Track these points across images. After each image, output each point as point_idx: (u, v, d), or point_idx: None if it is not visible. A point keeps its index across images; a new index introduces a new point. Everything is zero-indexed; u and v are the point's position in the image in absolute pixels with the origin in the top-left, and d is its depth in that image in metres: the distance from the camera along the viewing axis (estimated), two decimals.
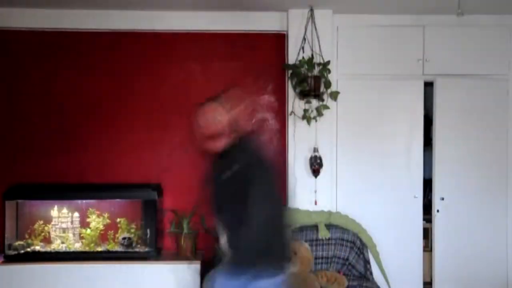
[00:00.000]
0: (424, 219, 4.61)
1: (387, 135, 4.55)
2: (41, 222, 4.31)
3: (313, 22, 4.36)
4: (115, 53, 4.51)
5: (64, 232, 4.29)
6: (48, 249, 4.24)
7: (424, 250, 4.62)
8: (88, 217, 4.32)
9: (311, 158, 4.37)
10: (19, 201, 4.28)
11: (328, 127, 4.43)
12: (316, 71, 4.25)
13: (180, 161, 4.50)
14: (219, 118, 2.46)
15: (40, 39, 4.45)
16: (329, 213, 4.36)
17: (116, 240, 4.31)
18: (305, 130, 4.37)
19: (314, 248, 4.20)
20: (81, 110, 4.49)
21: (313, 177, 4.38)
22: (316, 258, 4.19)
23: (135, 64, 4.52)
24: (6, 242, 4.17)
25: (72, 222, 4.31)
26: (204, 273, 4.33)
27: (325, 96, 4.33)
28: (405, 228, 4.53)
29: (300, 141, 4.41)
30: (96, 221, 4.31)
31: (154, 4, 4.29)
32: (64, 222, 4.29)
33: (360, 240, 4.34)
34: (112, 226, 4.35)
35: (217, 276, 2.47)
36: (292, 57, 4.35)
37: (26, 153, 4.45)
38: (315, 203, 4.38)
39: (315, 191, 4.39)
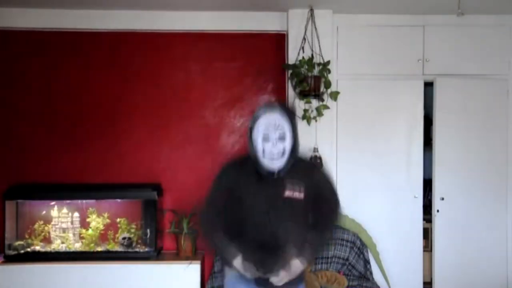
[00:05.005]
0: (424, 219, 4.61)
1: (387, 135, 4.54)
2: (41, 222, 4.32)
3: (313, 22, 4.35)
4: (115, 53, 4.51)
5: (64, 232, 4.29)
6: (48, 249, 4.24)
7: (424, 250, 4.61)
8: (88, 217, 4.33)
9: (311, 158, 4.36)
10: (19, 201, 4.28)
11: (328, 127, 4.42)
12: (316, 71, 4.25)
13: (180, 161, 4.51)
14: None
15: (40, 39, 4.45)
16: None
17: (116, 240, 4.31)
18: (305, 130, 4.35)
19: None
20: (81, 110, 4.49)
21: None
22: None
23: (135, 64, 4.52)
24: (6, 242, 4.18)
25: (72, 222, 4.31)
26: (204, 273, 4.35)
27: (325, 96, 4.32)
28: (405, 228, 4.53)
29: (300, 141, 4.38)
30: (96, 221, 4.31)
31: (154, 4, 4.28)
32: (64, 222, 4.29)
33: (360, 240, 4.33)
34: (112, 226, 4.36)
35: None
36: (292, 57, 4.35)
37: (26, 153, 4.45)
38: None
39: None
